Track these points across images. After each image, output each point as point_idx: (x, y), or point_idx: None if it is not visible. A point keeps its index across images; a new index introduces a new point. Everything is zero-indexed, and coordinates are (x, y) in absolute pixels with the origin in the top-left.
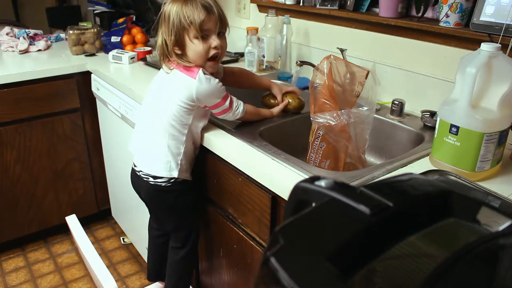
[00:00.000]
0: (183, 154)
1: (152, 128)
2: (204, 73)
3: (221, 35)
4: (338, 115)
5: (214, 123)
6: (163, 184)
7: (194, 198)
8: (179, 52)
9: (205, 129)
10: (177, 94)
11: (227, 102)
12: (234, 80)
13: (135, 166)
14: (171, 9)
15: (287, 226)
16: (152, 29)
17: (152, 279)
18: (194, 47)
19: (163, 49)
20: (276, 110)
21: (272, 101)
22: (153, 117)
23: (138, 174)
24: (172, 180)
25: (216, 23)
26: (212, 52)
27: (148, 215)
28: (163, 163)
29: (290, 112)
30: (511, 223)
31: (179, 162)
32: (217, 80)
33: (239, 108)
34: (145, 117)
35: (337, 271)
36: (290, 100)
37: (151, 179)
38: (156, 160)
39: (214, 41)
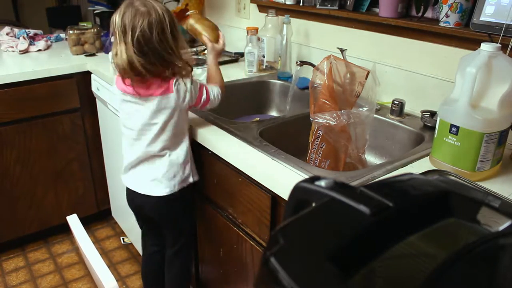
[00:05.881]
0: (190, 157)
1: (151, 153)
2: (177, 80)
3: None
4: (338, 115)
5: (215, 123)
6: (172, 192)
7: (193, 196)
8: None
9: (205, 129)
10: (166, 112)
11: (203, 98)
12: None
13: (133, 189)
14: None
15: (287, 226)
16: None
17: None
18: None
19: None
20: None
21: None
22: (148, 142)
23: (140, 193)
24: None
25: None
26: None
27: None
28: (174, 180)
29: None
30: (511, 223)
31: (191, 167)
32: (188, 79)
33: (215, 93)
34: (137, 146)
35: (337, 271)
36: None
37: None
38: (164, 181)
39: None
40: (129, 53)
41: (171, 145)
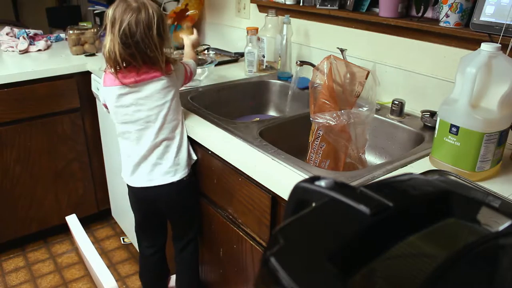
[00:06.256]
0: (187, 134)
1: (163, 138)
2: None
3: None
4: (338, 115)
5: (215, 123)
6: (189, 172)
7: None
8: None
9: (205, 129)
10: (172, 90)
11: (188, 72)
12: None
13: (147, 185)
14: (151, 8)
15: (287, 226)
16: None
17: None
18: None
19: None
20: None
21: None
22: (159, 126)
23: (154, 187)
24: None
25: None
26: None
27: None
28: (187, 160)
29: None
30: (511, 223)
31: (188, 143)
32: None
33: (192, 64)
34: (146, 137)
35: (337, 271)
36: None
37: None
38: (181, 163)
39: None
40: (113, 43)
41: (178, 124)
